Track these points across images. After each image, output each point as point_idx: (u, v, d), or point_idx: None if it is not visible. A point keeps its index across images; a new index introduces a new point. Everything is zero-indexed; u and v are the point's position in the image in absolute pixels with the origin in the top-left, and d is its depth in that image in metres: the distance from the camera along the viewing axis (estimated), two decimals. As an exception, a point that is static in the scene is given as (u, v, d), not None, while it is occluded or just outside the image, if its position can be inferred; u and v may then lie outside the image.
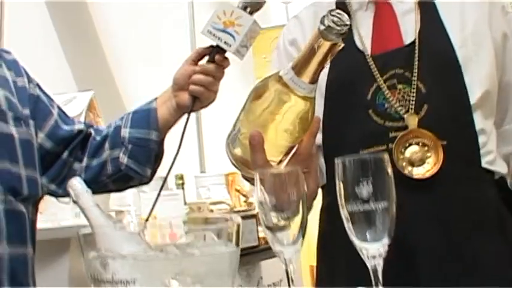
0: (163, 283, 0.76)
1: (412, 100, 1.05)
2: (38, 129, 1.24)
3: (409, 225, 1.02)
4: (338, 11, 0.80)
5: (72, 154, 1.28)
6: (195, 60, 1.23)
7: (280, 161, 0.84)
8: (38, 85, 1.29)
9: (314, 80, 0.84)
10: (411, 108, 1.05)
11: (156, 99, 1.29)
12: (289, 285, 0.66)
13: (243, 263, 2.43)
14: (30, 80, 1.27)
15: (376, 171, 0.59)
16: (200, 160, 3.14)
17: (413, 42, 1.09)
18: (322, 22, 0.81)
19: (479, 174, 1.08)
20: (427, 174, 1.02)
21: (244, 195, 2.87)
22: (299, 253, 0.68)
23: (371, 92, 1.08)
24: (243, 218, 2.55)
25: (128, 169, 1.26)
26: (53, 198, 1.84)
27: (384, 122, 1.06)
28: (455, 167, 1.05)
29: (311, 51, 0.83)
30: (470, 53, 1.08)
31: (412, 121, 1.04)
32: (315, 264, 3.50)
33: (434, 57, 1.08)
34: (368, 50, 1.11)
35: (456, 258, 1.02)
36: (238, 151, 0.91)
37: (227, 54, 1.22)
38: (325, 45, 0.82)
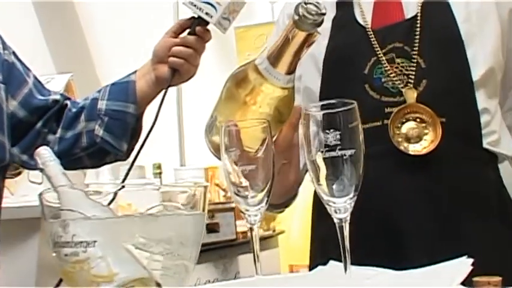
0: (122, 246, 0.73)
1: (412, 75, 1.02)
2: (11, 96, 1.20)
3: (402, 203, 0.99)
4: None
5: (46, 125, 1.25)
6: (176, 33, 1.21)
7: (257, 150, 0.81)
8: (14, 53, 1.25)
9: (290, 71, 0.80)
10: (410, 83, 1.01)
11: (135, 72, 1.26)
12: (252, 244, 0.63)
13: (220, 256, 2.40)
14: (5, 47, 1.23)
15: (344, 122, 0.56)
16: (180, 153, 3.11)
17: (415, 17, 1.06)
18: (296, 11, 0.76)
19: (480, 155, 1.04)
20: (424, 151, 0.98)
21: (223, 190, 2.85)
22: (263, 210, 0.66)
23: (368, 66, 1.05)
24: (222, 210, 2.54)
25: (103, 142, 1.23)
26: (24, 179, 1.81)
27: (380, 97, 1.03)
28: (454, 146, 1.01)
29: (285, 41, 0.79)
30: (474, 29, 1.04)
31: (410, 95, 1.00)
32: (294, 263, 3.47)
33: (435, 32, 1.05)
34: (369, 25, 1.08)
35: (446, 237, 0.97)
36: (216, 139, 0.89)
37: (209, 27, 1.20)
38: (300, 35, 0.78)
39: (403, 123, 0.99)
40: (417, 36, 1.03)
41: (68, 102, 1.29)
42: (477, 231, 0.98)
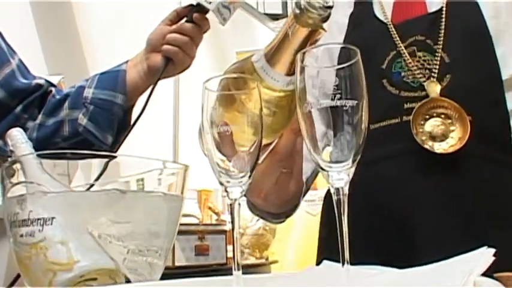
0: (86, 229, 0.63)
1: (434, 69, 0.93)
2: None
3: (423, 204, 0.90)
4: None
5: (26, 110, 1.15)
6: (173, 20, 1.13)
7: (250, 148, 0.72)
8: (0, 33, 1.17)
9: (291, 72, 0.70)
10: (433, 77, 0.93)
11: (127, 61, 1.18)
12: (232, 224, 0.53)
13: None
14: None
15: (346, 69, 0.47)
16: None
17: (439, 10, 0.99)
18: (297, 3, 0.66)
19: (506, 159, 0.94)
20: (451, 150, 0.89)
21: (216, 213, 2.75)
22: (246, 185, 0.56)
23: (387, 60, 0.97)
24: (212, 232, 2.43)
25: (86, 132, 1.12)
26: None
27: (399, 92, 0.94)
28: (479, 147, 0.92)
29: (284, 38, 0.69)
30: (503, 25, 0.97)
31: (433, 88, 0.91)
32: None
33: (461, 27, 0.97)
34: (388, 19, 1.01)
35: (467, 234, 0.87)
36: None
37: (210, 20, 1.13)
38: (301, 32, 0.68)
39: (426, 119, 0.90)
40: (441, 31, 0.95)
41: (53, 88, 1.20)
42: (497, 234, 0.89)
